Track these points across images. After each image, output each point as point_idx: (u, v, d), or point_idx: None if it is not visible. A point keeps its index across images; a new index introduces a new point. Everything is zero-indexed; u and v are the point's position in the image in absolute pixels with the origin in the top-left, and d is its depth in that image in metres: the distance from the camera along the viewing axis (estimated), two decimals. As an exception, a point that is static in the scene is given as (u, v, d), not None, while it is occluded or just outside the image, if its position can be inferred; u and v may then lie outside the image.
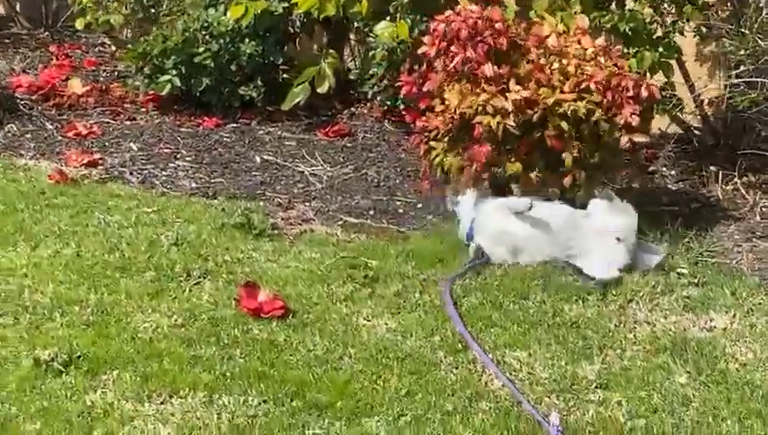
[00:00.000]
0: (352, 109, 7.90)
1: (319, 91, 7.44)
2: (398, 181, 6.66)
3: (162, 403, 3.89)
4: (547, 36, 5.55)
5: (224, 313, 4.58)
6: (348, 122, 7.68)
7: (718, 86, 6.45)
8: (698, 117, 6.59)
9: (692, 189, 6.39)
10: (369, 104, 7.87)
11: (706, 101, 6.59)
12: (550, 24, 5.61)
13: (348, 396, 3.96)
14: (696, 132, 6.72)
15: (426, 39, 5.64)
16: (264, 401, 3.91)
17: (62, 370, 4.04)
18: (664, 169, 6.76)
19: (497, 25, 5.41)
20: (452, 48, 5.46)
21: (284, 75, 7.89)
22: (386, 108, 7.66)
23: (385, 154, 7.14)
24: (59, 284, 4.76)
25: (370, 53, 7.35)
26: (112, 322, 4.45)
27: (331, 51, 7.62)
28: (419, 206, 6.25)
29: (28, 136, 7.16)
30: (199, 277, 4.93)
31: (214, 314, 4.57)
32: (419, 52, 5.71)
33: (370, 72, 7.41)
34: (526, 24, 5.70)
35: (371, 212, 6.13)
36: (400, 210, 6.20)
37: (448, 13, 5.57)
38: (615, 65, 5.43)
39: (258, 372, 4.10)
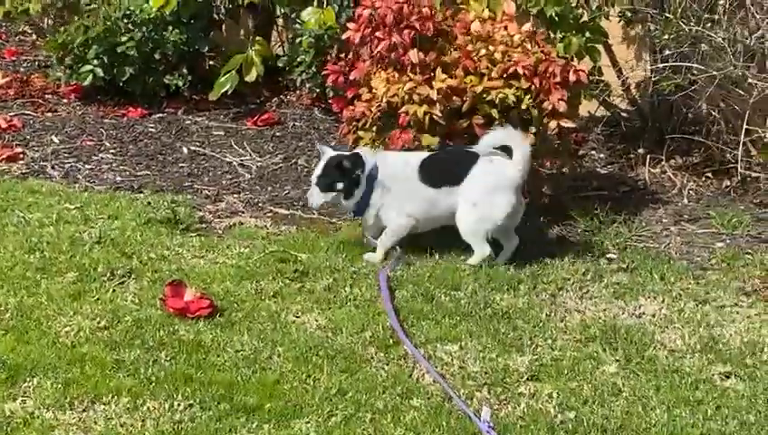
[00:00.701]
0: (281, 97, 7.80)
1: (247, 79, 7.32)
2: (327, 170, 6.55)
3: (84, 411, 3.78)
4: (472, 22, 5.49)
5: (149, 313, 4.47)
6: (276, 111, 7.57)
7: (644, 70, 6.46)
8: (626, 100, 6.61)
9: (621, 173, 6.41)
10: (297, 92, 7.77)
11: (633, 84, 6.61)
12: (476, 9, 5.55)
13: (277, 397, 3.88)
14: (624, 115, 6.73)
15: (350, 25, 5.56)
16: (191, 405, 3.82)
17: (-21, 379, 3.90)
18: (593, 152, 6.77)
19: (424, 10, 5.35)
20: (377, 34, 5.38)
21: (211, 63, 7.78)
22: (315, 95, 7.57)
23: (315, 143, 7.03)
24: (-24, 287, 4.60)
25: (297, 40, 7.24)
26: (33, 326, 4.32)
27: (258, 38, 7.50)
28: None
29: (-56, 130, 6.94)
30: (123, 277, 4.81)
31: (138, 314, 4.45)
32: (344, 37, 5.62)
33: (298, 59, 7.30)
34: (453, 11, 5.64)
35: (301, 203, 6.03)
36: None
37: (375, -1, 5.49)
38: (542, 51, 5.39)
39: (184, 374, 4.00)
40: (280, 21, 8.09)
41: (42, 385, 3.89)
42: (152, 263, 4.98)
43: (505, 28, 5.48)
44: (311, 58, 7.27)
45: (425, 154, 5.20)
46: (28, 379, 3.93)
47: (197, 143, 6.98)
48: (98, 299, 4.59)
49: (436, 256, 5.22)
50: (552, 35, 5.84)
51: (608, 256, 5.28)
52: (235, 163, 6.66)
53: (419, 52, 5.29)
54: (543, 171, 5.83)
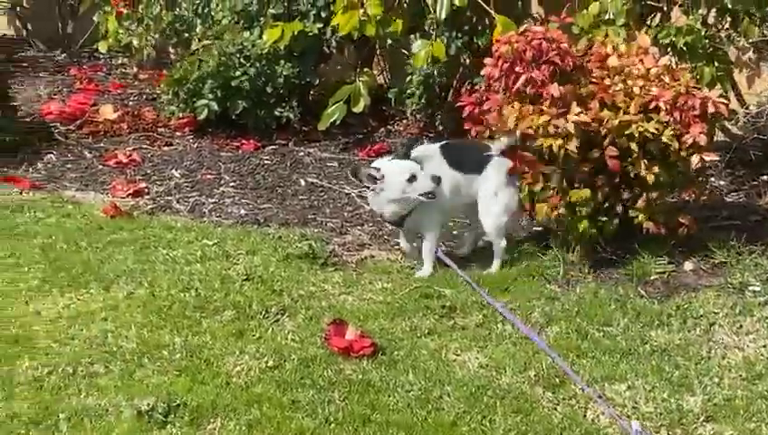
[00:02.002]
0: (388, 126, 7.87)
1: (354, 110, 7.40)
2: (447, 201, 6.60)
3: (272, 452, 3.84)
4: (608, 56, 5.52)
5: (312, 352, 4.54)
6: (386, 140, 7.64)
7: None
8: (749, 128, 6.60)
9: (748, 201, 6.39)
10: (405, 121, 7.84)
11: (754, 111, 6.59)
12: (611, 42, 5.59)
13: (457, 439, 3.92)
14: (746, 142, 6.72)
15: (488, 60, 5.60)
16: (374, 447, 3.87)
17: (165, 420, 3.98)
18: (712, 179, 6.76)
19: (562, 46, 5.37)
20: (516, 69, 5.42)
21: (313, 93, 7.88)
22: (423, 124, 7.64)
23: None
24: (141, 327, 4.69)
25: (408, 78, 7.30)
26: (203, 366, 4.39)
27: (365, 69, 7.58)
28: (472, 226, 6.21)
29: (69, 166, 7.09)
30: (278, 314, 4.89)
31: (302, 353, 4.52)
32: (483, 73, 5.66)
33: (409, 90, 7.37)
34: (586, 44, 5.68)
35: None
36: (454, 231, 6.16)
37: (511, 34, 5.54)
38: (680, 84, 5.40)
39: (361, 415, 4.05)
40: (380, 51, 8.19)
41: (226, 427, 3.96)
42: (302, 300, 5.04)
43: (641, 61, 5.49)
44: (421, 90, 7.35)
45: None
46: (212, 420, 4.00)
47: (314, 175, 7.07)
48: (259, 337, 4.66)
49: (578, 290, 5.24)
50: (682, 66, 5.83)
51: (751, 288, 5.27)
52: (353, 195, 6.73)
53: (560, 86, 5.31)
54: (675, 202, 5.82)
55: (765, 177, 6.49)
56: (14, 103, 7.57)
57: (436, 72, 7.31)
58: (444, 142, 5.71)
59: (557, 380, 4.35)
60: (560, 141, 5.25)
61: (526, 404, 4.17)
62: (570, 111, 5.31)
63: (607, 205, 5.46)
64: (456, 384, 4.31)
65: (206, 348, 4.53)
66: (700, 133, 5.27)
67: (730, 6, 5.87)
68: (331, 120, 7.38)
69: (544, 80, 5.35)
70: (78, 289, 5.05)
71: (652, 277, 5.42)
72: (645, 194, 5.41)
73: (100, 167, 7.05)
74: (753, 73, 6.62)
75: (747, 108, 6.47)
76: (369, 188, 5.41)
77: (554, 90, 5.30)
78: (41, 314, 4.79)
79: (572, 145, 5.24)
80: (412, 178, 5.32)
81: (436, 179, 5.34)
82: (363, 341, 4.55)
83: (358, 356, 4.49)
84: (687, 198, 5.73)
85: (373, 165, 5.45)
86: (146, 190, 6.69)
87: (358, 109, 7.39)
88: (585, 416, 4.10)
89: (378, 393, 4.24)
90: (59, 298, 4.95)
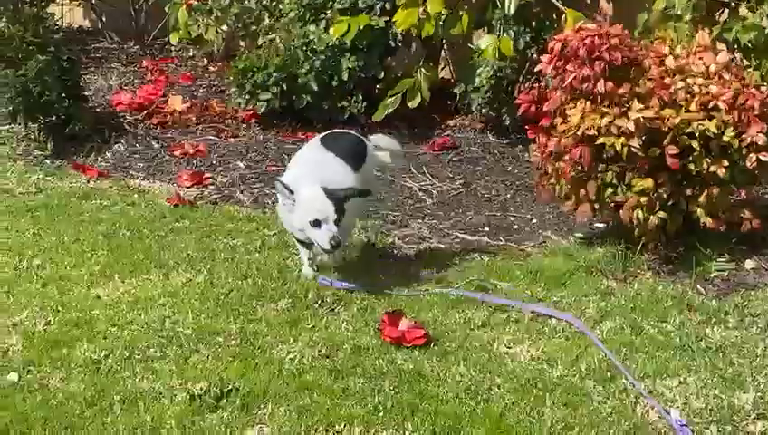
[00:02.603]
0: (451, 121, 7.87)
1: (410, 105, 7.41)
2: (508, 196, 6.62)
3: (320, 439, 3.89)
4: (668, 54, 5.48)
5: (365, 341, 4.58)
6: (451, 135, 7.65)
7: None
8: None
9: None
10: (470, 116, 7.84)
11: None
12: (669, 39, 5.54)
13: (504, 430, 3.94)
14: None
15: (543, 58, 5.59)
16: (421, 436, 3.90)
17: (216, 404, 4.06)
18: None
19: (613, 41, 5.33)
20: (568, 67, 5.40)
21: (380, 88, 7.90)
22: (488, 119, 7.63)
23: (491, 167, 7.10)
24: (198, 313, 4.79)
25: (477, 71, 7.29)
26: (257, 353, 4.47)
27: (427, 64, 7.59)
28: (534, 221, 6.21)
29: (136, 156, 7.22)
30: (333, 304, 4.94)
31: (355, 343, 4.57)
32: (537, 69, 5.65)
33: (475, 84, 7.37)
34: (644, 41, 5.63)
35: (486, 229, 6.10)
36: (515, 226, 6.16)
37: (567, 32, 5.51)
38: (740, 82, 5.34)
39: (410, 404, 4.09)
40: (446, 44, 8.20)
41: (276, 412, 4.03)
42: (358, 290, 5.08)
43: (701, 59, 5.44)
44: (487, 86, 7.34)
45: None
46: (262, 406, 4.07)
47: (376, 169, 7.08)
48: (313, 326, 4.72)
49: (635, 286, 5.21)
50: (746, 63, 5.76)
51: (808, 287, 5.19)
52: (415, 188, 6.76)
53: (609, 82, 5.26)
54: (738, 199, 5.75)
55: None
56: (85, 93, 7.72)
57: (502, 68, 7.28)
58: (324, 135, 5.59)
59: (608, 374, 4.34)
60: (622, 140, 5.22)
61: (575, 397, 4.17)
62: (631, 108, 5.27)
63: (671, 202, 5.41)
64: (506, 376, 4.33)
65: (260, 335, 4.60)
66: (758, 133, 5.21)
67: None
68: (386, 112, 7.41)
69: (597, 77, 5.32)
70: (138, 275, 5.16)
71: (712, 275, 5.36)
72: (706, 190, 5.36)
73: (167, 157, 7.17)
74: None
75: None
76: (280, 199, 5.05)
77: (600, 86, 5.26)
78: (101, 299, 4.91)
79: (635, 142, 5.20)
80: (315, 224, 4.89)
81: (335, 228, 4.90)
82: (416, 331, 4.59)
83: (410, 346, 4.53)
84: (749, 196, 5.64)
85: (287, 181, 5.01)
86: (210, 181, 6.78)
87: (412, 104, 7.40)
88: (634, 410, 4.09)
89: (428, 383, 4.27)
90: (119, 283, 5.06)
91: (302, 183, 4.98)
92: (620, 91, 5.33)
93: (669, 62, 5.46)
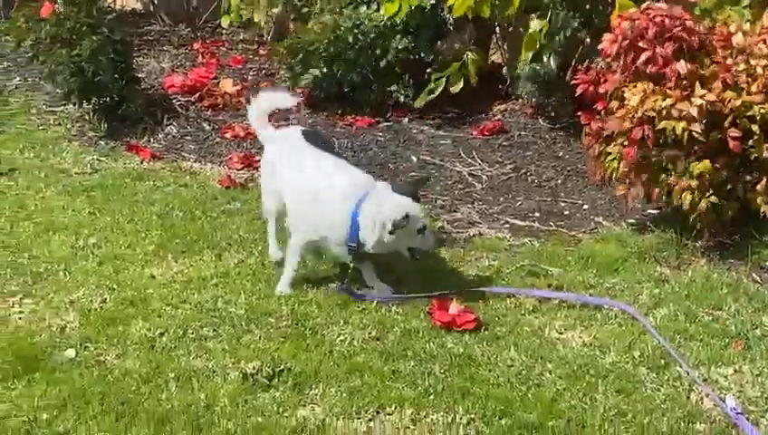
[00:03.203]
0: (502, 105, 7.83)
1: (452, 90, 7.34)
2: (559, 181, 6.57)
3: (371, 420, 3.91)
4: (732, 34, 5.39)
5: (415, 325, 4.58)
6: (501, 119, 7.61)
7: None
8: None
9: None
10: (520, 100, 7.79)
11: None
12: (735, 21, 5.45)
13: (556, 415, 3.92)
14: None
15: (607, 36, 5.53)
16: (473, 420, 3.90)
17: (269, 383, 4.09)
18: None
19: (687, 23, 5.26)
20: (640, 44, 5.32)
21: (429, 71, 7.87)
22: (539, 104, 7.58)
23: (542, 152, 7.05)
24: (250, 294, 4.81)
25: (523, 60, 7.24)
26: (308, 334, 4.49)
27: (476, 48, 7.55)
28: (585, 207, 6.16)
29: (188, 138, 7.26)
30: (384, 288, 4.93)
31: (405, 326, 4.57)
32: (599, 48, 5.59)
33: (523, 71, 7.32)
34: (710, 23, 5.56)
35: (537, 214, 6.06)
36: (566, 212, 6.12)
37: (632, 11, 5.45)
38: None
39: (461, 388, 4.09)
40: (498, 29, 8.15)
41: (327, 393, 4.05)
42: (408, 275, 5.08)
43: (764, 41, 5.35)
44: (538, 70, 7.28)
45: None
46: (314, 386, 4.09)
47: (426, 152, 7.08)
48: (363, 309, 4.73)
49: (689, 273, 5.16)
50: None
51: None
52: (464, 173, 6.73)
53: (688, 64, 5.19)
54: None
55: None
56: (138, 75, 7.78)
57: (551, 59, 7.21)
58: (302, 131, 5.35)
59: (662, 361, 4.31)
60: (683, 124, 5.15)
61: (629, 384, 4.14)
62: (693, 92, 5.20)
63: (729, 187, 5.34)
64: (557, 362, 4.31)
65: (311, 317, 4.62)
66: (818, 115, 5.12)
67: None
68: (429, 97, 7.37)
69: (668, 57, 5.25)
70: (191, 256, 5.20)
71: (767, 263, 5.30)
72: (765, 177, 5.28)
73: (218, 139, 7.21)
74: None
75: None
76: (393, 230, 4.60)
77: (681, 67, 5.19)
78: (155, 278, 4.95)
79: (697, 127, 5.13)
80: (422, 230, 4.71)
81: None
82: (466, 316, 4.58)
83: (460, 330, 4.52)
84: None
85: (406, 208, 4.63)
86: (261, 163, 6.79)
87: (455, 89, 7.33)
88: (689, 398, 4.06)
89: (478, 368, 4.26)
90: (173, 263, 5.10)
91: (384, 196, 4.67)
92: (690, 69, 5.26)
93: (738, 38, 5.36)
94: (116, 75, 7.27)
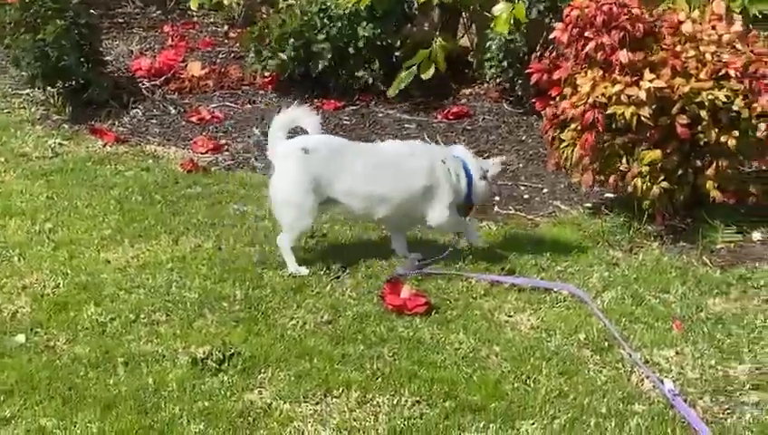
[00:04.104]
0: (468, 89, 7.88)
1: (423, 77, 7.41)
2: (520, 166, 6.64)
3: (317, 403, 3.96)
4: (682, 22, 5.45)
5: (368, 308, 4.64)
6: (466, 104, 7.66)
7: None
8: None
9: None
10: (485, 85, 7.84)
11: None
12: (684, 9, 5.51)
13: (499, 397, 3.99)
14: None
15: (558, 25, 5.59)
16: (418, 402, 3.96)
17: (218, 368, 4.14)
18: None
19: (634, 11, 5.32)
20: (586, 34, 5.39)
21: (399, 55, 7.91)
22: (503, 88, 7.63)
23: (505, 137, 7.11)
24: (204, 278, 4.86)
25: (487, 43, 7.29)
26: (260, 318, 4.54)
27: (444, 33, 7.59)
28: (545, 191, 6.23)
29: (153, 121, 7.30)
30: (339, 271, 4.99)
31: (358, 310, 4.63)
32: (551, 37, 5.65)
33: (488, 54, 7.37)
34: (658, 10, 5.61)
35: (497, 198, 6.12)
36: (526, 196, 6.19)
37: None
38: (752, 51, 5.32)
39: (408, 371, 4.15)
40: (466, 13, 8.19)
41: (276, 376, 4.11)
42: (364, 258, 5.14)
43: (713, 28, 5.42)
44: (502, 54, 7.33)
45: None
46: (263, 370, 4.14)
47: (391, 136, 7.11)
48: (318, 293, 4.79)
49: (640, 257, 5.24)
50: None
51: (816, 260, 5.19)
52: (428, 156, 6.75)
53: (630, 53, 5.26)
54: (747, 170, 5.75)
55: None
56: (104, 58, 7.80)
57: (517, 37, 7.26)
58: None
59: (606, 344, 4.38)
60: (632, 109, 5.22)
61: (572, 366, 4.21)
62: (642, 77, 5.26)
63: (679, 172, 5.42)
64: (504, 344, 4.38)
65: (264, 301, 4.68)
66: (769, 101, 5.19)
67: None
68: (402, 85, 7.43)
69: (614, 46, 5.31)
70: (148, 240, 5.25)
71: (718, 246, 5.38)
72: (715, 162, 5.36)
73: (184, 123, 7.25)
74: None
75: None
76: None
77: (622, 56, 5.26)
78: (110, 263, 5.00)
79: (645, 111, 5.21)
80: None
81: None
82: (417, 299, 4.64)
83: (411, 314, 4.58)
84: (759, 168, 5.63)
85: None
86: (225, 147, 6.85)
87: (426, 76, 7.40)
88: (629, 379, 4.13)
89: (427, 351, 4.33)
90: (129, 248, 5.15)
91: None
92: (635, 59, 5.32)
93: (687, 26, 5.43)
94: (81, 59, 7.30)
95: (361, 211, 5.06)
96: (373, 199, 5.00)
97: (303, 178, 4.93)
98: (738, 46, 5.37)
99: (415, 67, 7.36)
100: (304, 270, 4.97)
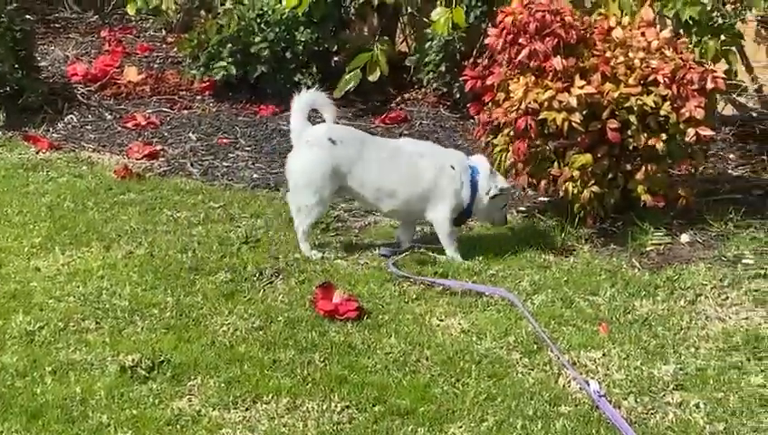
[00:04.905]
0: (406, 94, 7.92)
1: (370, 78, 7.46)
2: (456, 169, 6.65)
3: (247, 410, 3.96)
4: (612, 28, 5.54)
5: (299, 314, 4.65)
6: (403, 108, 7.70)
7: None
8: (758, 101, 6.57)
9: (753, 175, 6.38)
10: (423, 90, 7.89)
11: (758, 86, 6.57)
12: (615, 15, 5.60)
13: (428, 400, 4.01)
14: (755, 116, 6.70)
15: (491, 31, 5.65)
16: (348, 407, 3.97)
17: (147, 376, 4.12)
18: (722, 152, 6.75)
19: (566, 18, 5.39)
20: (520, 41, 5.45)
21: (336, 59, 7.94)
22: (441, 93, 7.69)
23: (442, 141, 7.12)
24: (135, 286, 4.84)
25: (426, 45, 7.34)
26: (191, 325, 4.53)
27: (384, 37, 7.64)
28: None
29: (89, 127, 7.26)
30: (271, 276, 5.00)
31: (290, 315, 4.64)
32: (486, 42, 5.70)
33: (426, 59, 7.42)
34: (590, 17, 5.69)
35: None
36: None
37: (515, 5, 5.56)
38: (680, 57, 5.41)
39: (338, 376, 4.16)
40: (405, 18, 8.24)
41: (205, 384, 4.09)
42: (297, 263, 5.16)
43: (643, 34, 5.51)
44: (439, 58, 7.38)
45: None
46: (192, 377, 4.13)
47: (328, 140, 7.12)
48: (250, 299, 4.79)
49: (571, 260, 5.31)
50: (688, 39, 5.82)
51: (744, 261, 5.30)
52: (365, 161, 6.78)
53: (564, 60, 5.33)
54: (676, 174, 5.85)
55: (773, 150, 6.48)
56: (39, 64, 7.73)
57: (455, 41, 7.31)
58: None
59: (534, 346, 4.43)
60: (564, 115, 5.29)
61: (501, 369, 4.26)
62: (573, 84, 5.33)
63: (609, 176, 5.50)
64: (435, 348, 4.41)
65: (196, 308, 4.67)
66: (697, 107, 5.30)
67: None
68: (347, 87, 7.46)
69: (547, 52, 5.37)
70: (79, 247, 5.21)
71: (648, 249, 5.47)
72: (644, 166, 5.45)
73: (119, 129, 7.21)
74: (761, 47, 6.57)
75: (757, 80, 6.43)
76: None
77: (557, 63, 5.32)
78: (40, 271, 4.95)
79: (576, 117, 5.29)
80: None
81: None
82: (349, 304, 4.65)
83: (343, 319, 4.60)
84: (687, 171, 5.73)
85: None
86: (161, 153, 6.82)
87: (373, 78, 7.46)
88: (557, 381, 4.18)
89: (358, 355, 4.34)
90: (59, 256, 5.11)
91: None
92: (567, 64, 5.39)
93: (617, 32, 5.52)
94: (16, 65, 7.23)
95: (371, 201, 5.35)
96: (383, 192, 5.26)
97: (327, 166, 5.19)
98: (667, 52, 5.46)
99: (358, 71, 7.38)
100: (318, 254, 5.23)
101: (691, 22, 5.87)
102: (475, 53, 7.16)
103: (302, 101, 5.37)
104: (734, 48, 6.10)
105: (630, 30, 5.54)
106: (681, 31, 5.93)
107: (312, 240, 5.35)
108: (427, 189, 5.25)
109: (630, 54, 5.39)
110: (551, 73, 5.30)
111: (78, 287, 4.79)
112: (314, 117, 5.51)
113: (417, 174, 5.26)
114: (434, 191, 5.26)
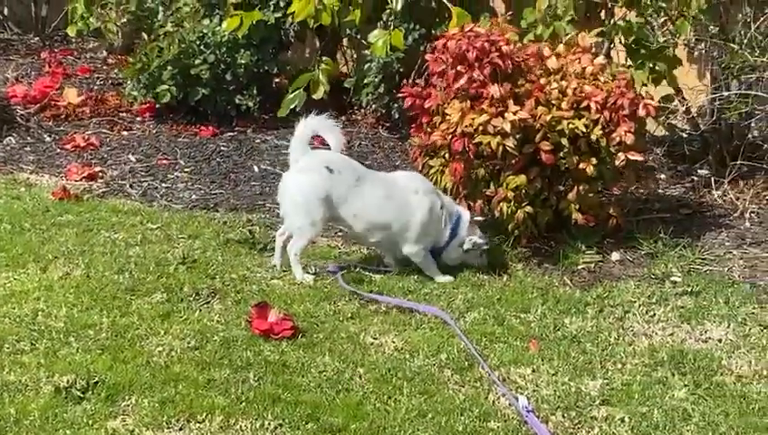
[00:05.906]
0: (346, 115, 8.00)
1: (314, 97, 7.52)
2: (394, 190, 6.74)
3: (181, 429, 4.00)
4: (547, 57, 5.68)
5: (235, 333, 4.70)
6: (342, 130, 7.75)
7: (706, 94, 6.60)
8: (687, 122, 6.75)
9: (683, 195, 6.54)
10: (362, 111, 7.98)
11: (695, 109, 6.74)
12: (548, 42, 5.75)
13: (361, 418, 4.08)
14: (685, 137, 6.87)
15: (429, 57, 5.76)
16: (281, 425, 4.03)
17: (82, 396, 4.14)
18: (653, 172, 6.91)
19: (503, 48, 5.51)
20: (459, 68, 5.55)
21: (277, 81, 8.02)
22: (379, 115, 7.78)
23: (380, 162, 7.25)
24: (71, 307, 4.85)
25: (365, 66, 7.44)
26: (127, 345, 4.56)
27: (325, 58, 7.73)
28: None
29: (27, 149, 7.25)
30: (208, 297, 5.04)
31: (225, 335, 4.68)
32: (427, 64, 5.80)
33: (366, 80, 7.51)
34: (526, 45, 5.83)
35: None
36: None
37: (453, 31, 5.68)
38: (616, 83, 5.55)
39: (272, 395, 4.21)
40: (345, 40, 8.34)
41: (140, 404, 4.12)
42: (234, 283, 5.21)
43: (578, 61, 5.65)
44: (378, 80, 7.48)
45: None
46: (126, 397, 4.16)
47: (268, 162, 7.21)
48: (186, 319, 4.82)
49: (504, 278, 5.41)
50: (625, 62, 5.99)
51: (672, 279, 5.44)
52: (304, 182, 6.84)
53: (501, 87, 5.44)
54: (607, 194, 5.99)
55: (704, 171, 6.64)
56: (-23, 86, 7.73)
57: (393, 63, 7.41)
58: None
59: (466, 363, 4.52)
60: (498, 139, 5.40)
61: (432, 386, 4.33)
62: (507, 109, 5.45)
63: (542, 196, 5.63)
64: (368, 366, 4.47)
65: (131, 328, 4.69)
66: (627, 132, 5.44)
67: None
68: (291, 106, 7.52)
69: (485, 80, 5.49)
70: (15, 269, 5.21)
71: (579, 267, 5.59)
72: (575, 187, 5.58)
73: (58, 150, 7.21)
74: (689, 70, 6.76)
75: (687, 104, 6.61)
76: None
77: (494, 91, 5.44)
78: (-26, 293, 4.95)
79: (510, 142, 5.40)
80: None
81: None
82: (284, 323, 4.71)
83: (278, 338, 4.65)
84: (617, 192, 5.87)
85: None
86: (100, 174, 6.83)
87: (317, 96, 7.51)
88: (487, 397, 4.27)
89: (292, 374, 4.40)
90: (-5, 278, 5.11)
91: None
92: (501, 91, 5.50)
93: (552, 62, 5.66)
94: (-47, 87, 7.22)
95: (360, 232, 5.44)
96: (375, 226, 5.37)
97: (321, 193, 5.29)
98: (601, 78, 5.60)
99: (302, 91, 7.44)
100: (310, 278, 5.27)
101: (633, 46, 6.02)
102: (413, 74, 7.29)
103: (308, 126, 5.46)
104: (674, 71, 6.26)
105: (566, 57, 5.67)
106: (616, 55, 6.08)
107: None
108: (416, 223, 5.35)
109: (564, 82, 5.52)
110: (487, 100, 5.41)
111: (14, 309, 4.80)
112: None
113: (411, 210, 5.35)
114: (419, 226, 5.36)
